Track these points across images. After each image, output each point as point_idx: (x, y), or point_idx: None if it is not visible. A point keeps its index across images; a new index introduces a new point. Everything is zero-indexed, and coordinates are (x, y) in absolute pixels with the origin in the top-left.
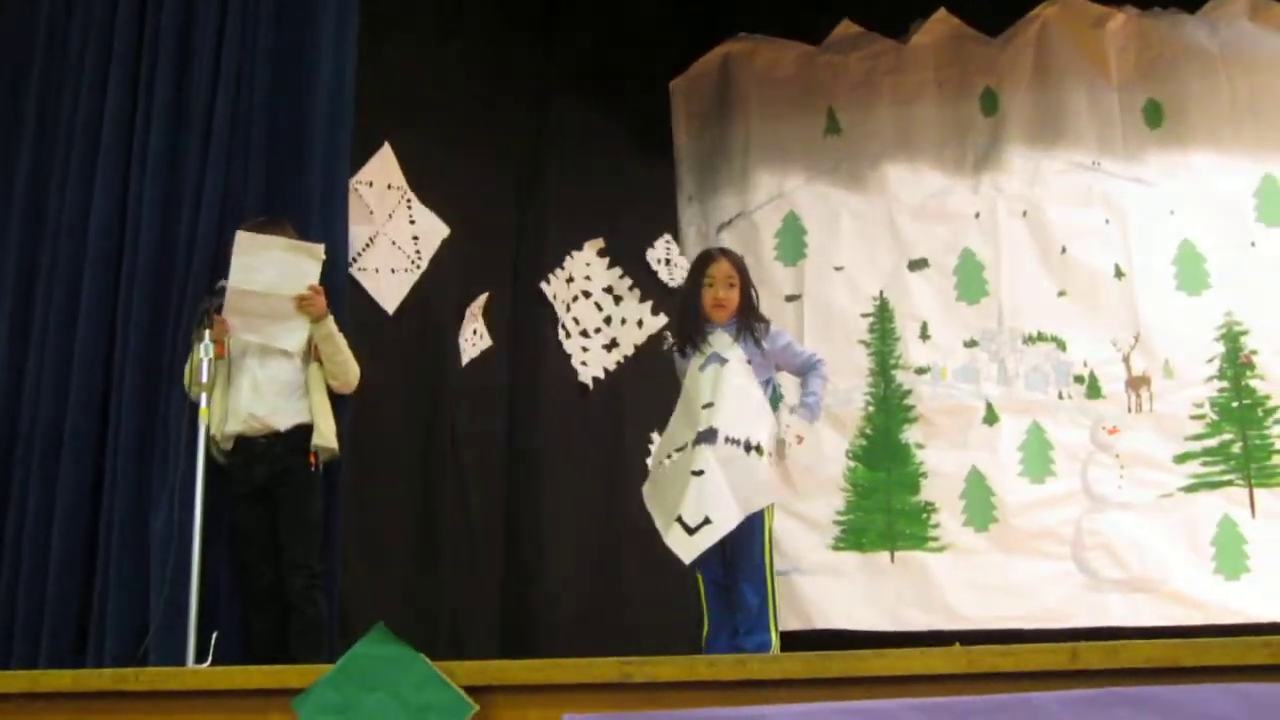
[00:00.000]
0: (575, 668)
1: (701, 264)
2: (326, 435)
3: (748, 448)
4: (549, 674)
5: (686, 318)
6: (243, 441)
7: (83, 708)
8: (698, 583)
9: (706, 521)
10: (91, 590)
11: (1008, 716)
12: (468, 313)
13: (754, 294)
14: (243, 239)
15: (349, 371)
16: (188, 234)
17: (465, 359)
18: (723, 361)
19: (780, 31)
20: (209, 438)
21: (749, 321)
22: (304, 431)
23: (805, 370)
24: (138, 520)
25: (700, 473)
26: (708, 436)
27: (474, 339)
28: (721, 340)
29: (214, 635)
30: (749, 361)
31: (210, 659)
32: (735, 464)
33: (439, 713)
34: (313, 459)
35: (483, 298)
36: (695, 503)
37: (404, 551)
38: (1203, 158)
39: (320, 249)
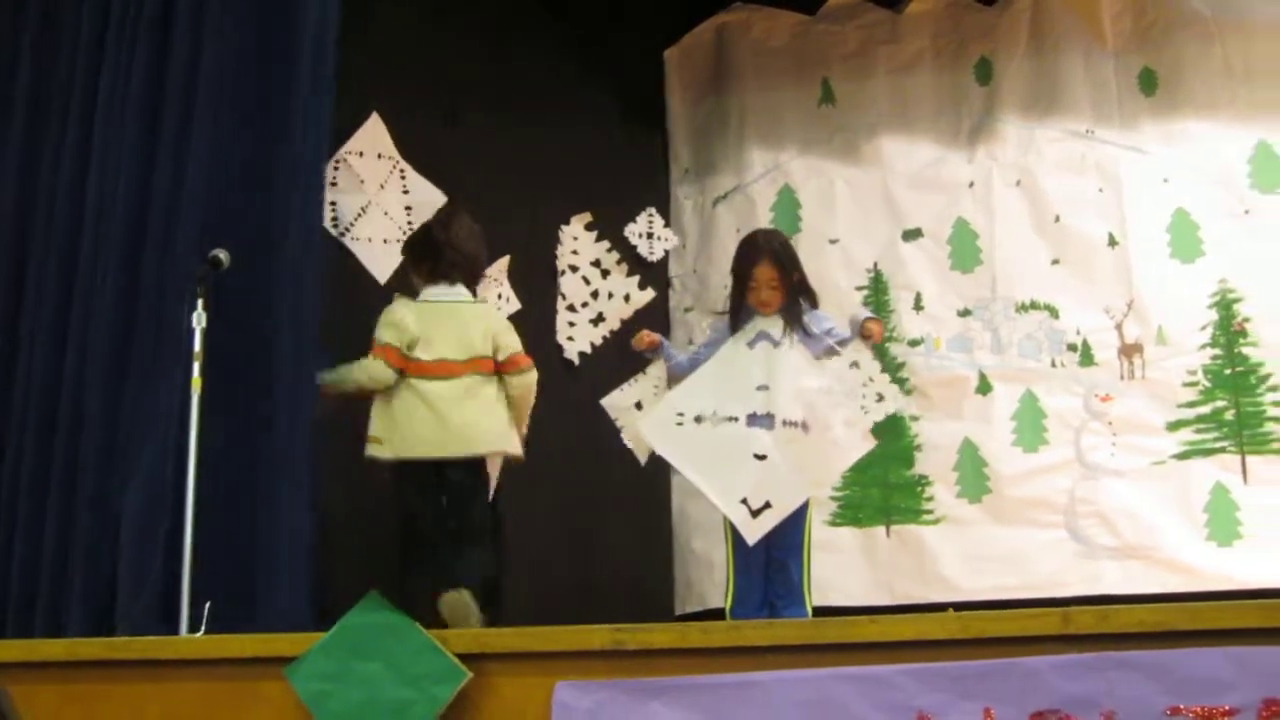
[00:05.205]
0: (568, 635)
1: (747, 260)
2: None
3: (805, 428)
4: (542, 642)
5: (734, 309)
6: None
7: (76, 676)
8: (727, 553)
9: (767, 505)
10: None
11: (1001, 681)
12: (487, 277)
13: (798, 276)
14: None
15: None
16: (170, 203)
17: None
18: (775, 343)
19: (776, 1)
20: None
21: (795, 313)
22: None
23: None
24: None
25: (763, 457)
26: (764, 420)
27: (498, 304)
28: (770, 322)
29: (207, 604)
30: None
31: (204, 628)
32: (795, 445)
33: (433, 680)
34: None
35: (503, 261)
36: (758, 486)
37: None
38: (1197, 125)
39: None
